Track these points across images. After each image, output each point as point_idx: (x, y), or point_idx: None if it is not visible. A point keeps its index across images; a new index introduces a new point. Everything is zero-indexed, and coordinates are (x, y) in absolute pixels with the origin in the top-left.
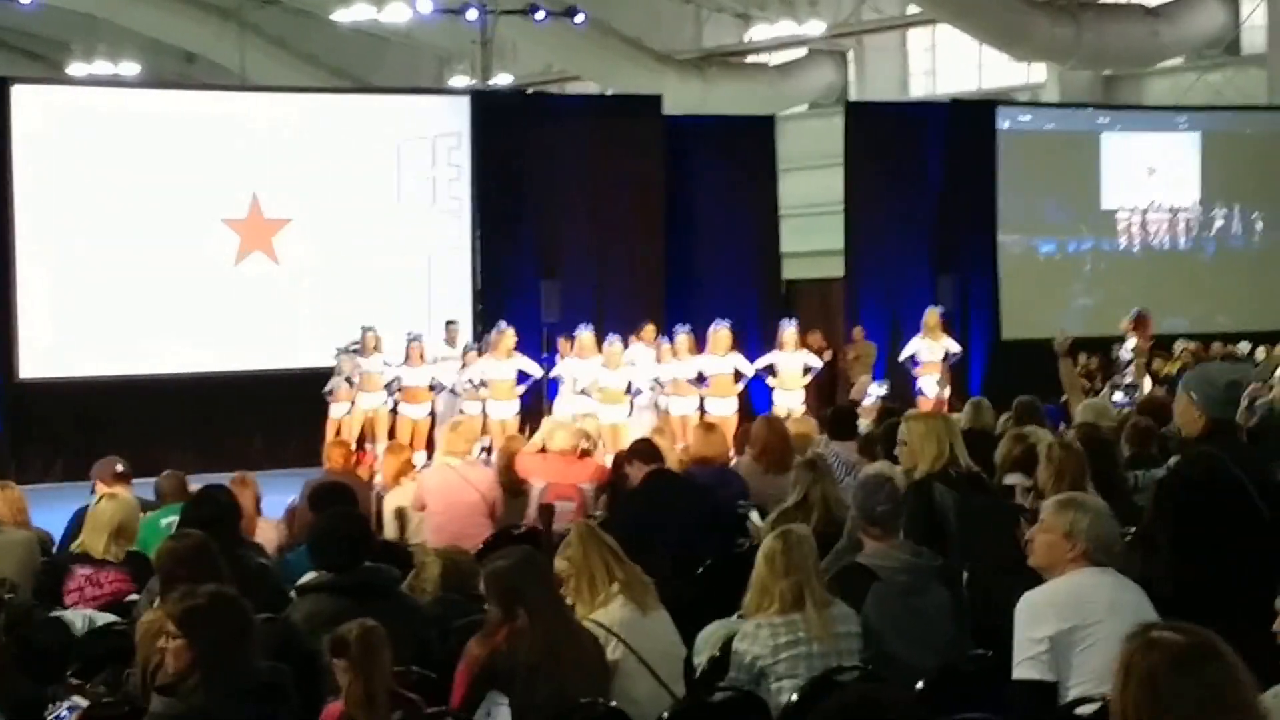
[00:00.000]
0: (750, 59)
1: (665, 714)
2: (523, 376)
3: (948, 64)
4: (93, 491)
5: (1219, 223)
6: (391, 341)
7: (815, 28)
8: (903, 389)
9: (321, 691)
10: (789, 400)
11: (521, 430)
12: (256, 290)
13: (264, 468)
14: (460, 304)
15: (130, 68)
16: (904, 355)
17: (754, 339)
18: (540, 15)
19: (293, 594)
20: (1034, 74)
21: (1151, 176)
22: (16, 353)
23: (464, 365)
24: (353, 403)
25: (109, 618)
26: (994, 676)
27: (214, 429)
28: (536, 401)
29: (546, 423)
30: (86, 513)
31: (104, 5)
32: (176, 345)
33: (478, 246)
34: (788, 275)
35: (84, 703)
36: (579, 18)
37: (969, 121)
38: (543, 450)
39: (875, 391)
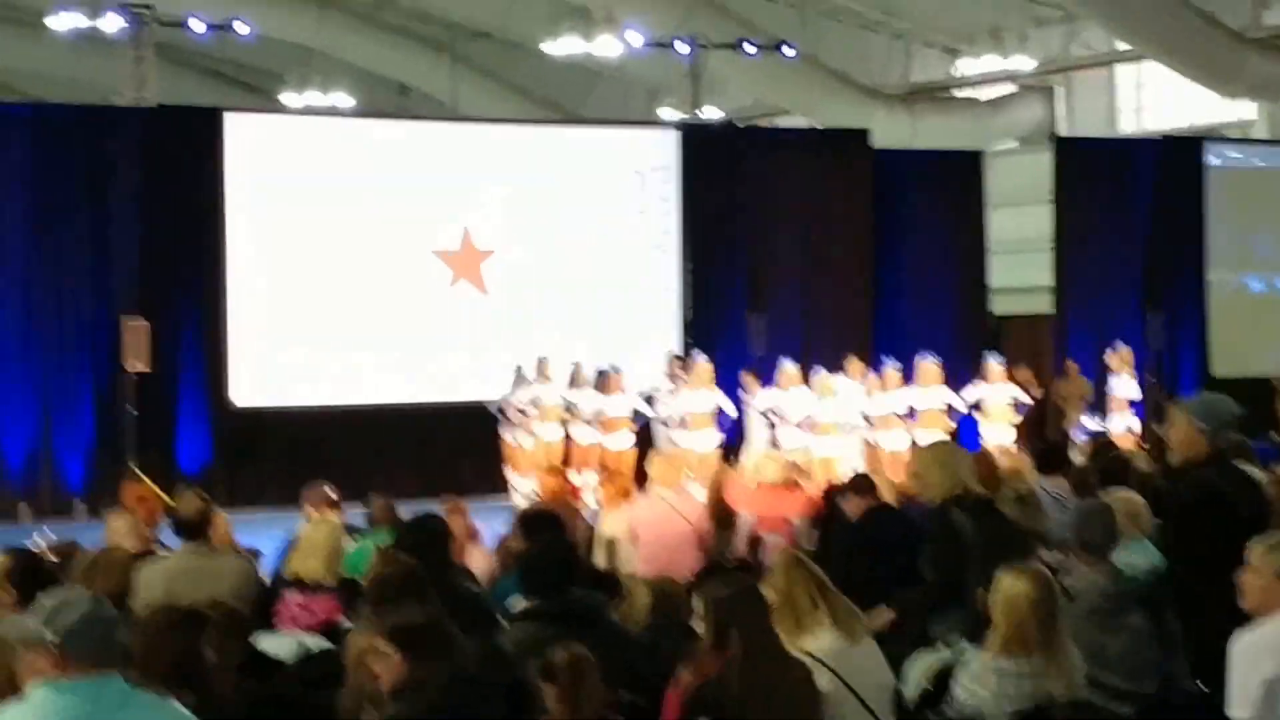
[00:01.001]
0: (958, 94)
1: None
2: (721, 413)
3: (1156, 100)
4: (304, 517)
5: None
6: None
7: (1023, 63)
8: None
9: (532, 717)
10: (997, 434)
11: (725, 461)
12: (466, 320)
13: (474, 494)
14: (670, 336)
15: (343, 99)
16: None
17: (962, 374)
18: (750, 49)
19: (503, 621)
20: (1243, 111)
21: None
22: (228, 381)
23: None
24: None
25: (322, 642)
26: (1205, 713)
27: (424, 457)
28: (738, 434)
29: (755, 454)
30: (297, 537)
31: (319, 37)
32: (387, 374)
33: (687, 279)
34: (996, 310)
35: None
36: (788, 51)
37: (1178, 158)
38: (752, 481)
39: (1088, 426)
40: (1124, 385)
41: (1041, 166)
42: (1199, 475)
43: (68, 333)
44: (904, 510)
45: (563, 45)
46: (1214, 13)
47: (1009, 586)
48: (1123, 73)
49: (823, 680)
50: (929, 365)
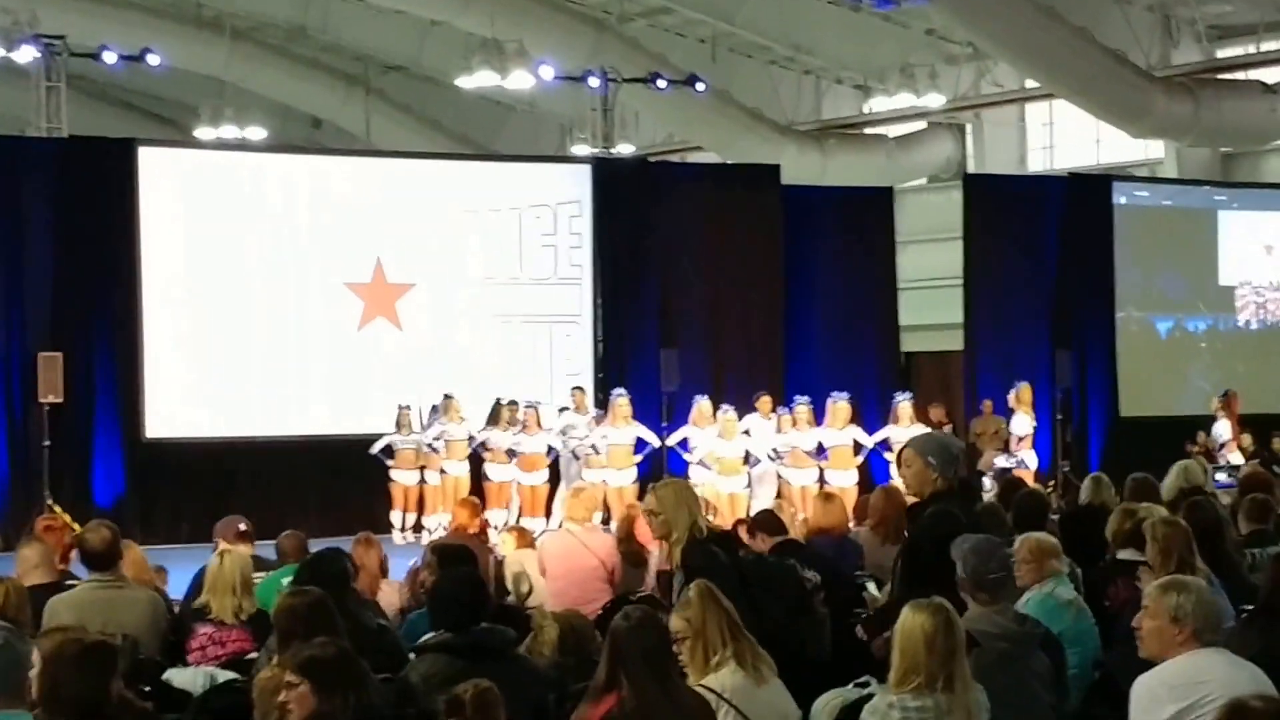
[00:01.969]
0: (869, 131)
1: None
2: (641, 444)
3: (1065, 139)
4: (215, 550)
5: None
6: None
7: (934, 100)
8: None
9: None
10: None
11: (640, 498)
12: (379, 355)
13: (387, 530)
14: (581, 371)
15: (256, 132)
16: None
17: (872, 411)
18: (661, 84)
19: (411, 654)
20: (1151, 150)
21: (1270, 254)
22: (143, 413)
23: (588, 433)
24: (442, 470)
25: (230, 675)
26: None
27: (339, 490)
28: (656, 469)
29: None
30: (208, 570)
31: (231, 69)
32: (301, 407)
33: (598, 314)
34: (906, 348)
35: None
36: (700, 87)
37: (1086, 196)
38: None
39: (1001, 464)
40: (1021, 423)
41: (951, 204)
42: (938, 510)
43: None
44: (811, 546)
45: (476, 79)
46: (1122, 51)
47: (908, 621)
48: (1032, 111)
49: (723, 716)
50: (840, 404)
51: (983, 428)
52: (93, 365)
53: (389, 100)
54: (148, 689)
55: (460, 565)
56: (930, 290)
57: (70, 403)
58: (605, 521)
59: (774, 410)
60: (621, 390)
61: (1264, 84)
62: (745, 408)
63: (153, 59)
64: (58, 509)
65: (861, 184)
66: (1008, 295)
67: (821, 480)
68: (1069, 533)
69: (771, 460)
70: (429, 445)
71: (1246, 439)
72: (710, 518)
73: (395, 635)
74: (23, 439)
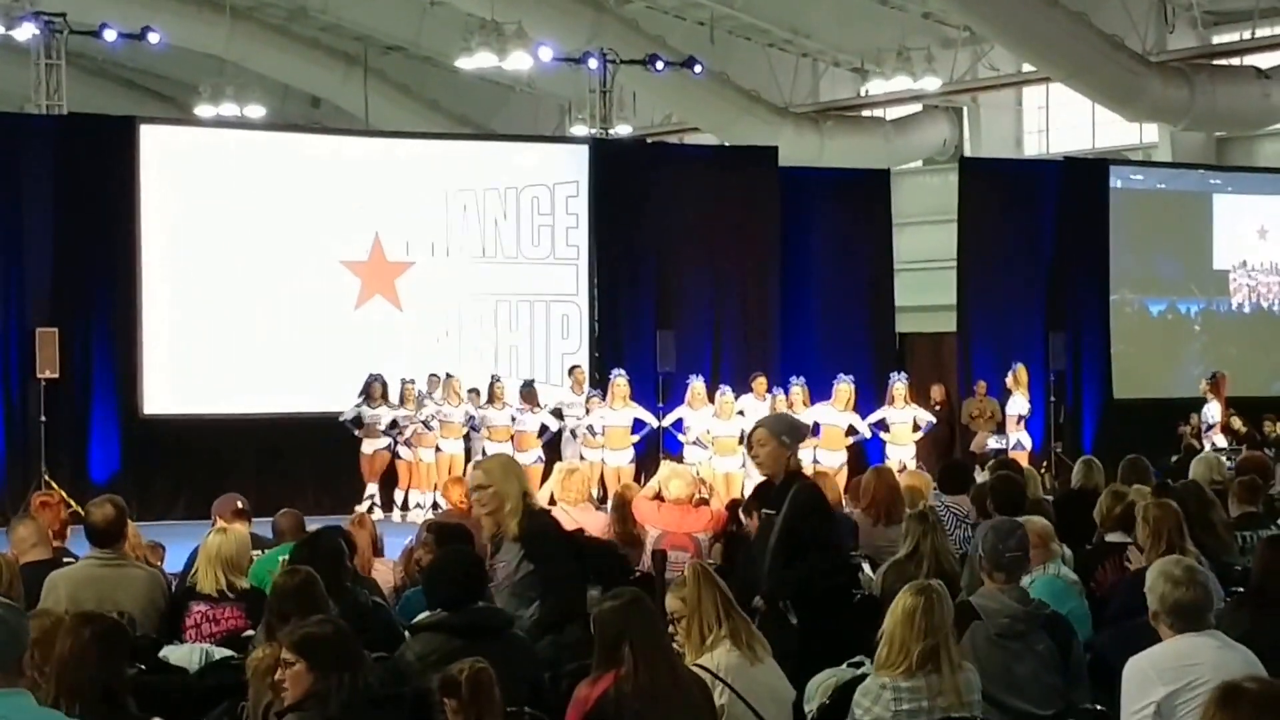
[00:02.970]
0: (866, 113)
1: None
2: (638, 425)
3: (1061, 123)
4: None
5: None
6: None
7: (931, 84)
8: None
9: None
10: (901, 454)
11: (637, 478)
12: (377, 332)
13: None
14: (577, 351)
15: (256, 110)
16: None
17: (866, 392)
18: (659, 66)
19: (406, 633)
20: (1147, 134)
21: (1263, 238)
22: (141, 390)
23: (587, 412)
24: (437, 448)
25: (225, 652)
26: None
27: (335, 469)
28: (653, 450)
29: (664, 468)
30: (204, 548)
31: (232, 48)
32: (299, 385)
33: (595, 294)
34: (901, 329)
35: None
36: (697, 69)
37: (1082, 180)
38: (658, 497)
39: (994, 446)
40: (1016, 404)
41: (947, 186)
42: (805, 486)
43: None
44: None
45: (475, 60)
46: (1118, 36)
47: (898, 602)
48: (1029, 94)
49: (719, 695)
50: (844, 387)
51: (977, 409)
52: (90, 341)
53: (388, 80)
54: (144, 666)
55: (456, 544)
56: (925, 272)
57: (67, 379)
58: (602, 501)
59: (769, 391)
60: (620, 371)
61: (1258, 69)
62: (741, 388)
63: (153, 37)
64: (54, 485)
65: (858, 166)
66: (1002, 277)
67: (814, 460)
68: (1062, 515)
69: None
70: (425, 423)
71: (1236, 421)
72: (706, 496)
73: (390, 613)
74: (20, 415)
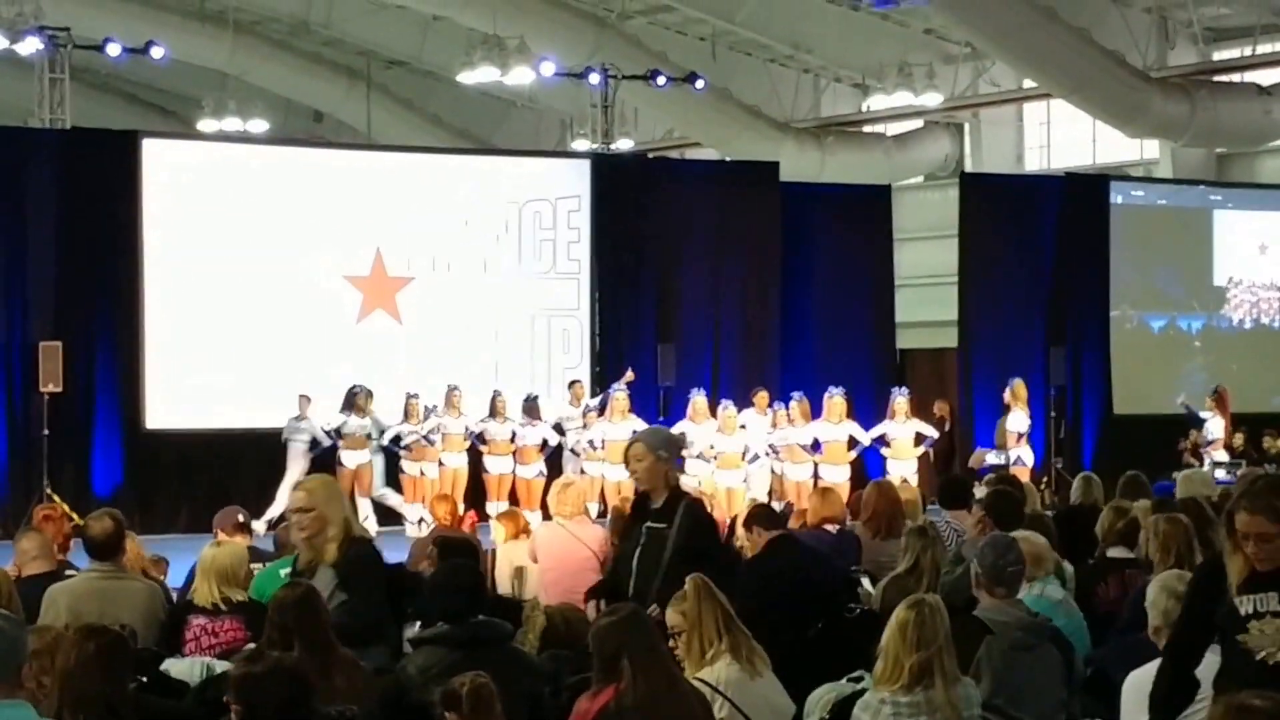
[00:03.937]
0: (867, 129)
1: None
2: None
3: (1062, 139)
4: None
5: None
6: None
7: (932, 99)
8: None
9: None
10: (902, 469)
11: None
12: (378, 347)
13: (385, 524)
14: (578, 366)
15: (259, 125)
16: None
17: (867, 407)
18: (661, 81)
19: (408, 646)
20: (1147, 150)
21: (1264, 254)
22: (143, 403)
23: (584, 426)
24: (440, 462)
25: (227, 665)
26: None
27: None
28: None
29: None
30: (204, 561)
31: (234, 63)
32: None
33: (596, 309)
34: (902, 345)
35: None
36: (699, 84)
37: (1082, 195)
38: None
39: (992, 461)
40: (1016, 420)
41: (948, 202)
42: (694, 501)
43: None
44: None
45: (477, 75)
46: (1119, 53)
47: (893, 616)
48: (1030, 110)
49: (719, 709)
50: (836, 400)
51: None
52: (93, 355)
53: (390, 95)
54: (145, 679)
55: (459, 557)
56: (926, 287)
57: (70, 392)
58: (602, 515)
59: (770, 406)
60: (621, 385)
61: (1259, 86)
62: (742, 403)
63: (156, 52)
64: (56, 498)
65: (860, 181)
66: (1003, 293)
67: (816, 475)
68: (1063, 531)
69: (767, 456)
70: (425, 438)
71: (1238, 438)
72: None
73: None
74: (22, 428)
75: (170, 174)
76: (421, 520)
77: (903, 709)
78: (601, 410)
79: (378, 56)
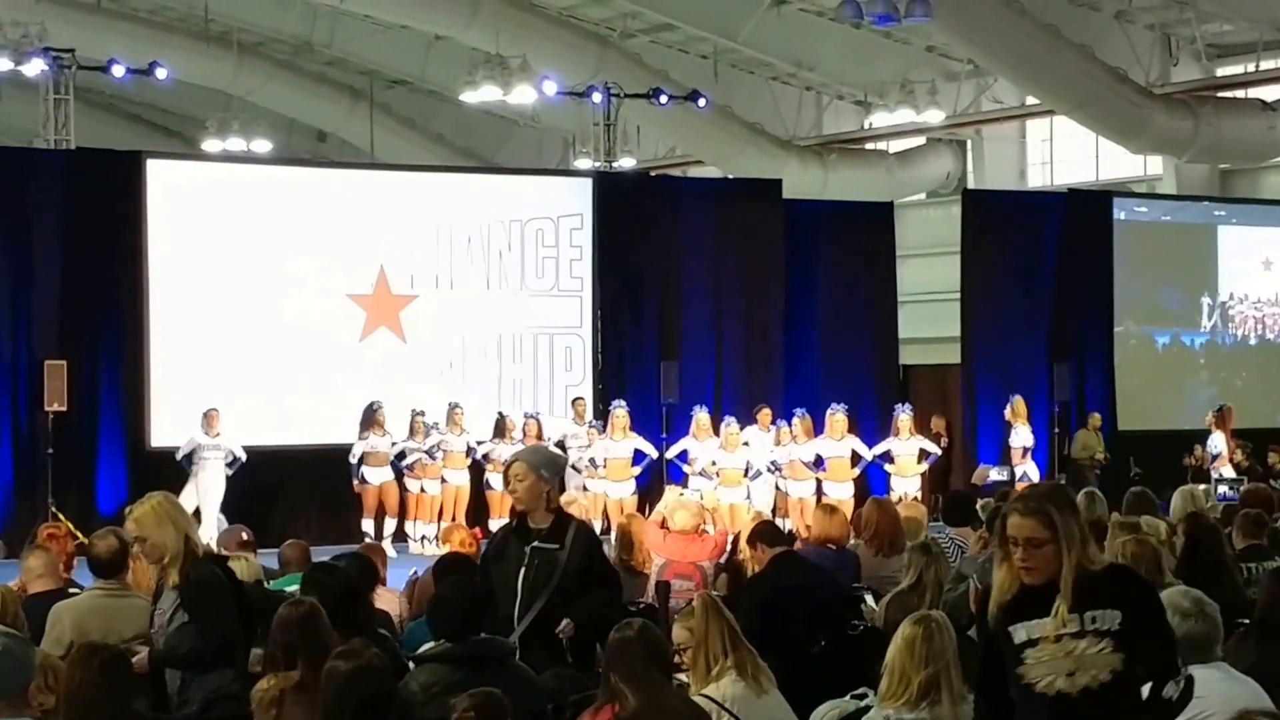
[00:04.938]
0: (870, 146)
1: None
2: (639, 456)
3: (1065, 155)
4: None
5: None
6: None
7: (934, 116)
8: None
9: None
10: (905, 485)
11: (641, 510)
12: (382, 365)
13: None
14: (581, 383)
15: (262, 145)
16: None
17: (871, 424)
18: (663, 99)
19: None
20: (1151, 166)
21: (1268, 269)
22: (148, 421)
23: (588, 444)
24: (442, 479)
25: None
26: None
27: (340, 500)
28: (655, 481)
29: (669, 495)
30: None
31: (238, 83)
32: (304, 417)
33: (598, 326)
34: (905, 361)
35: None
36: (701, 102)
37: (1086, 212)
38: (663, 526)
39: (995, 477)
40: (1020, 436)
41: (951, 219)
42: (584, 524)
43: None
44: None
45: (479, 94)
46: (1122, 69)
47: (899, 632)
48: (1033, 127)
49: None
50: (838, 417)
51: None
52: (98, 374)
53: (393, 114)
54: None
55: (461, 576)
56: (929, 304)
57: (75, 411)
58: (605, 532)
59: (773, 422)
60: (620, 402)
61: (1263, 102)
62: (745, 420)
63: (160, 72)
64: (61, 517)
65: (862, 198)
66: (1006, 309)
67: (819, 492)
68: None
69: (770, 473)
70: (428, 453)
71: (1240, 454)
72: (712, 526)
73: (395, 644)
74: (27, 447)
75: (174, 194)
76: (424, 538)
77: None
78: (603, 427)
79: (380, 76)
